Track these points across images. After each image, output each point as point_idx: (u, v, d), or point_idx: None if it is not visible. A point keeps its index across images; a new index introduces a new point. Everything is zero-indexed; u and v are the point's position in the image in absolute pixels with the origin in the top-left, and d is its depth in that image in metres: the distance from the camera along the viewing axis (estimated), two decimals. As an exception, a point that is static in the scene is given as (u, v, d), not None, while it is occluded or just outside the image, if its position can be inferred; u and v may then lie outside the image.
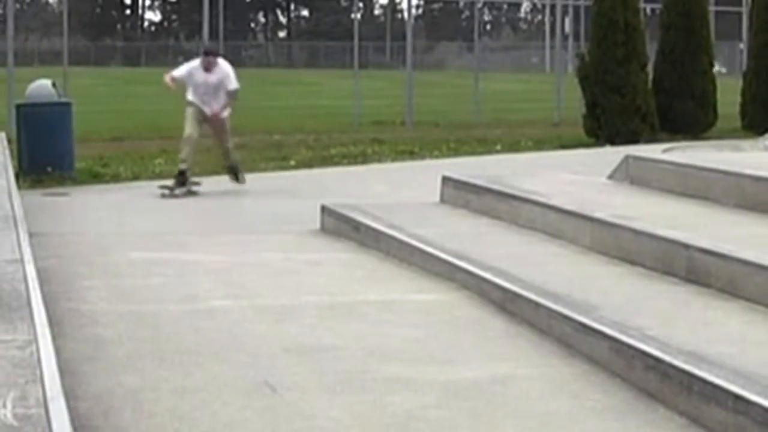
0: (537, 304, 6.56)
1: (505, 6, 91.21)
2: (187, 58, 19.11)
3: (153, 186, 14.47)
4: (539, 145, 21.21)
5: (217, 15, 27.08)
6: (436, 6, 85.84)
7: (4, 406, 4.10)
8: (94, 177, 15.53)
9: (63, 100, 16.01)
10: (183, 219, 12.08)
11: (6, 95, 21.63)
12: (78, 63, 30.91)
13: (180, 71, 14.57)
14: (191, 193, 14.05)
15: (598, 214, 8.37)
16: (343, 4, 73.67)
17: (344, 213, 10.17)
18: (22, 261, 6.98)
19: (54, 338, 5.26)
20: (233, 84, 14.44)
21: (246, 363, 5.83)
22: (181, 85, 14.42)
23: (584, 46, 28.61)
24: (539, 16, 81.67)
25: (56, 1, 69.66)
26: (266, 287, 7.87)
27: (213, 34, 26.53)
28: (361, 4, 73.04)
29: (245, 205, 13.35)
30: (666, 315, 6.22)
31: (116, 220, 12.00)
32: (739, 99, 24.15)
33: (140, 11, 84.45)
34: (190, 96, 14.39)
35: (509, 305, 6.88)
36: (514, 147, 20.70)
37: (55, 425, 3.95)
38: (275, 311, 7.03)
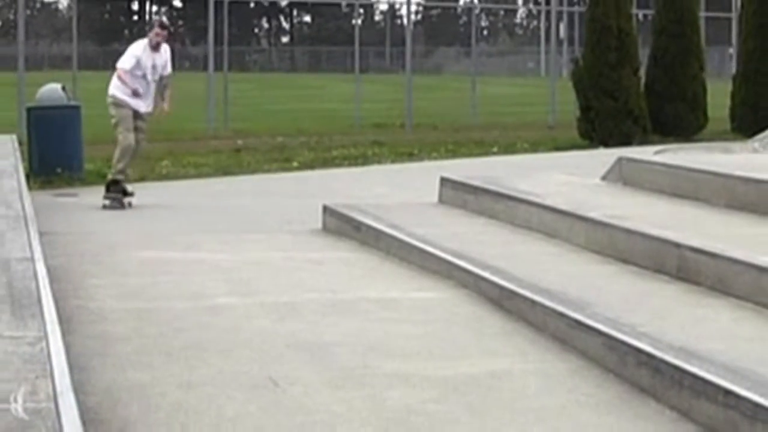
0: (533, 302, 6.56)
1: (502, 12, 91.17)
2: (193, 63, 18.90)
3: (159, 187, 14.49)
4: (534, 147, 21.22)
5: (221, 21, 27.03)
6: (434, 12, 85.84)
7: (15, 400, 4.10)
8: (103, 178, 15.47)
9: (72, 103, 16.01)
10: (188, 219, 12.08)
11: (17, 99, 21.63)
12: (87, 67, 30.82)
13: (130, 62, 12.56)
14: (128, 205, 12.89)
15: (591, 214, 8.37)
16: (344, 10, 73.59)
17: (345, 213, 10.16)
18: (32, 259, 6.98)
19: (63, 335, 5.26)
20: (169, 68, 12.97)
21: (250, 358, 5.83)
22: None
23: (578, 50, 28.64)
24: (535, 22, 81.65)
25: (66, 7, 69.61)
26: (270, 285, 7.87)
27: (218, 39, 26.48)
28: (361, 10, 73.01)
29: (249, 205, 13.35)
30: (658, 312, 6.21)
31: (124, 220, 12.01)
32: (728, 102, 24.16)
33: (147, 17, 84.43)
34: (119, 93, 12.64)
35: (506, 303, 6.88)
36: (510, 149, 20.71)
37: (64, 419, 3.94)
38: (278, 308, 7.03)
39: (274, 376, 5.48)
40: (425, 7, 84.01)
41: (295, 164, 17.93)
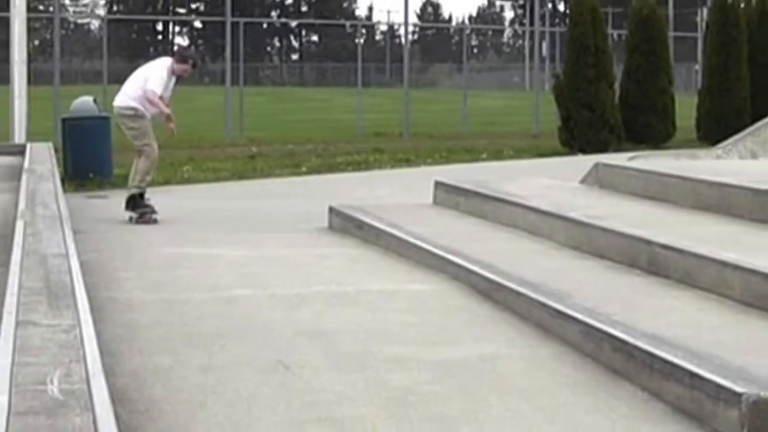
0: (518, 293, 6.55)
1: (490, 32, 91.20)
2: (212, 78, 18.71)
3: (182, 189, 14.47)
4: (520, 153, 21.20)
5: (237, 40, 27.02)
6: (429, 32, 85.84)
7: (52, 382, 4.10)
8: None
9: (103, 114, 15.99)
10: (206, 219, 12.06)
11: (53, 110, 21.63)
12: (116, 81, 30.83)
13: (160, 85, 11.44)
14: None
15: (571, 215, 8.37)
16: (348, 30, 73.56)
17: (349, 213, 10.16)
18: (67, 255, 6.97)
19: (95, 323, 5.26)
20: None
21: (263, 344, 5.83)
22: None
23: (559, 67, 28.59)
24: (520, 41, 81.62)
25: (97, 28, 69.64)
26: (280, 278, 7.86)
27: (234, 56, 26.47)
28: (364, 31, 73.02)
29: (262, 206, 13.34)
30: (631, 303, 6.21)
31: (149, 219, 11.97)
32: (694, 113, 24.16)
33: (170, 36, 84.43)
34: (139, 104, 11.43)
35: (494, 294, 6.88)
36: (497, 155, 20.70)
37: (96, 399, 3.94)
38: (288, 299, 7.03)
39: (284, 360, 5.48)
40: (421, 28, 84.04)
41: (303, 169, 17.92)
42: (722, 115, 23.01)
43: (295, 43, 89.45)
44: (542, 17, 50.06)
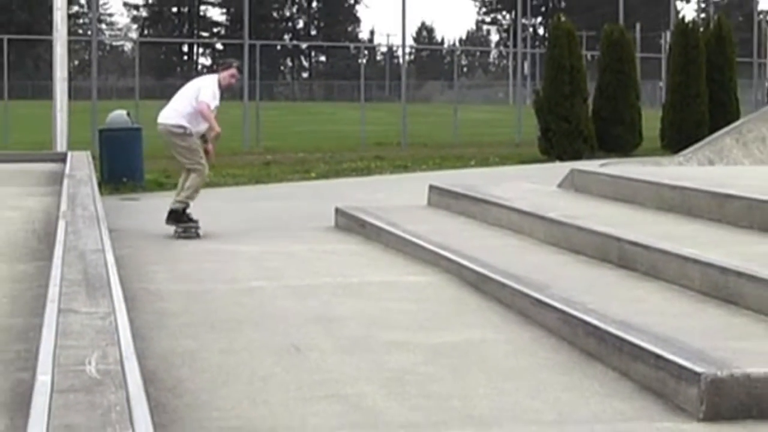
0: (503, 284, 6.55)
1: (478, 53, 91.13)
2: (232, 94, 18.39)
3: (204, 193, 14.38)
4: (504, 160, 21.19)
5: (254, 60, 27.00)
6: (424, 53, 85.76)
7: (90, 363, 4.10)
8: (160, 186, 15.52)
9: (135, 126, 16.00)
10: (227, 218, 12.05)
11: (91, 122, 21.62)
12: (147, 97, 30.84)
13: (212, 99, 9.97)
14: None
15: (550, 215, 8.37)
16: (353, 51, 73.39)
17: (353, 213, 10.16)
18: (103, 251, 6.97)
19: (128, 311, 5.26)
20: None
21: (277, 330, 5.83)
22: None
23: (539, 84, 28.56)
24: (504, 61, 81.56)
25: (130, 49, 69.54)
26: (293, 271, 7.86)
27: (251, 74, 26.44)
28: (366, 52, 73.01)
29: (276, 207, 13.33)
30: (603, 293, 6.21)
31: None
32: (659, 125, 24.17)
33: (195, 57, 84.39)
34: (186, 123, 10.00)
35: (481, 285, 6.88)
36: (484, 162, 20.68)
37: (129, 378, 3.94)
38: (300, 290, 7.03)
39: (296, 343, 5.48)
40: (417, 49, 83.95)
41: (313, 174, 17.90)
42: (683, 127, 23.02)
43: (306, 63, 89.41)
44: (524, 40, 50.10)
